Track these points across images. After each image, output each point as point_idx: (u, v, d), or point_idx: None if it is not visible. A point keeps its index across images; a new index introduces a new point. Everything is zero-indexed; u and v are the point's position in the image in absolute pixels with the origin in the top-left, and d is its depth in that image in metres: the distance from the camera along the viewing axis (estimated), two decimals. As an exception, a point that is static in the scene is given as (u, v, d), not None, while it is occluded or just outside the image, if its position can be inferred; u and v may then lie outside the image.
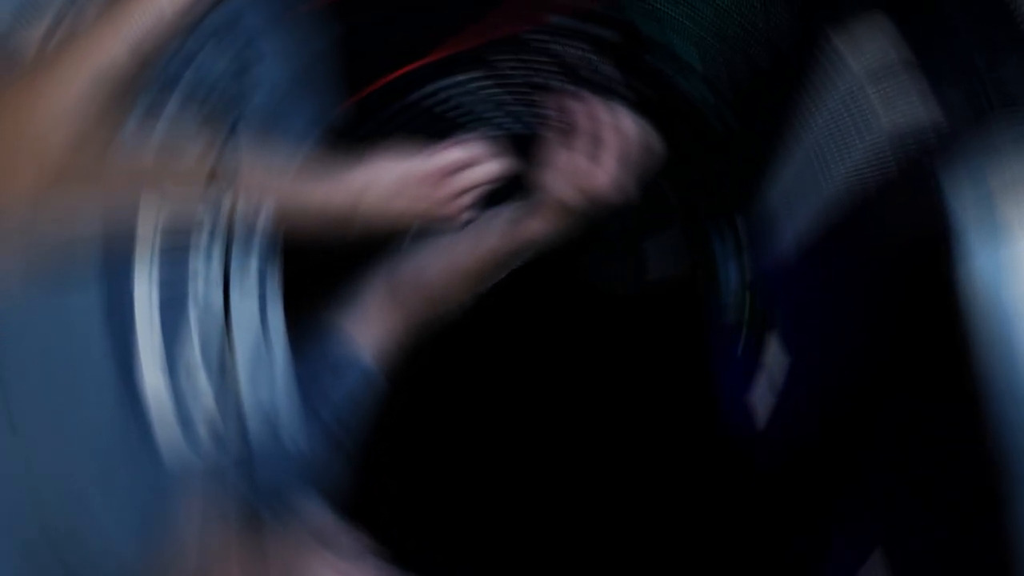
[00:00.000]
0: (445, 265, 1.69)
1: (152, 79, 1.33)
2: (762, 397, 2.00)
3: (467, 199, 1.54)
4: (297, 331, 1.56)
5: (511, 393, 2.16)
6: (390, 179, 1.50)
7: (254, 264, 1.48)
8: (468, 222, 1.59)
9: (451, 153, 1.52)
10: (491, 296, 1.75)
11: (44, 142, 1.27)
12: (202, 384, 1.36)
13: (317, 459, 1.56)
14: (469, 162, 1.53)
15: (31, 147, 1.27)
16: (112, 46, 1.27)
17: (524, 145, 1.65)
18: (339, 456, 1.60)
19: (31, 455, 1.29)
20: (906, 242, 1.80)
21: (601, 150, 1.62)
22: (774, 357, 1.99)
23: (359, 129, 1.73)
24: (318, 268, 1.56)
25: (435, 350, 1.76)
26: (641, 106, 1.71)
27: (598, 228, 1.75)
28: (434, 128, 1.74)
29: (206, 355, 1.37)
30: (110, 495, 1.30)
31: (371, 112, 1.79)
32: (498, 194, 1.59)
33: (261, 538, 1.31)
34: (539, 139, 1.65)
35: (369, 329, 1.68)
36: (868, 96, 1.78)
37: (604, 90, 1.73)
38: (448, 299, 1.71)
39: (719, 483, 2.09)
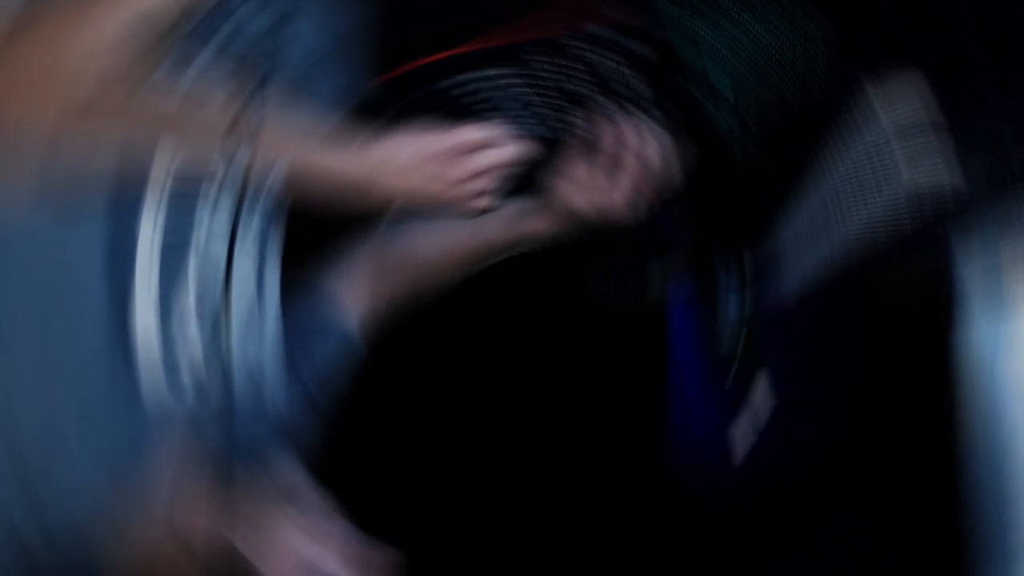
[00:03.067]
0: (438, 245, 1.70)
1: (190, 27, 1.33)
2: (743, 434, 2.00)
3: (480, 183, 1.55)
4: (289, 289, 1.57)
5: (486, 381, 2.17)
6: (406, 155, 1.51)
7: (257, 223, 1.49)
8: (479, 212, 1.60)
9: (467, 132, 1.53)
10: (491, 285, 1.76)
11: (76, 75, 1.27)
12: (193, 333, 1.37)
13: (294, 419, 1.56)
14: (485, 143, 1.54)
15: (63, 78, 1.27)
16: None
17: (543, 148, 1.66)
18: (315, 418, 1.60)
19: (12, 378, 1.29)
20: (909, 303, 1.80)
21: (620, 171, 1.65)
22: (761, 396, 1.99)
23: (386, 107, 1.73)
24: (315, 229, 1.56)
25: (423, 331, 1.77)
26: (666, 127, 1.72)
27: (606, 241, 1.76)
28: (459, 117, 1.74)
29: (200, 305, 1.37)
30: (87, 431, 1.30)
31: (400, 92, 1.79)
32: (508, 190, 1.60)
33: (231, 491, 1.31)
34: (559, 145, 1.66)
35: (355, 295, 1.69)
36: (893, 151, 1.78)
37: (633, 105, 1.73)
38: (434, 278, 1.72)
39: (682, 510, 2.09)
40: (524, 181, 1.63)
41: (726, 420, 2.00)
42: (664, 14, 1.84)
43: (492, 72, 1.80)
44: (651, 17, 1.83)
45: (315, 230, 1.56)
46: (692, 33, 1.85)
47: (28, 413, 1.29)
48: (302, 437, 1.56)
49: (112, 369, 1.31)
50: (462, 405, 2.17)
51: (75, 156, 1.29)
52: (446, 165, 1.52)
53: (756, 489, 2.00)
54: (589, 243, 1.90)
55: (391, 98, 1.76)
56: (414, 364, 2.09)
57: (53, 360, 1.30)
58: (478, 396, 2.18)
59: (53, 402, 1.30)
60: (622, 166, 1.65)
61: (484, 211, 1.59)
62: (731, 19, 1.84)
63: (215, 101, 1.36)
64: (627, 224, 1.67)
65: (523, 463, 2.18)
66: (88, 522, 1.29)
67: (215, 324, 1.36)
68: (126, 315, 1.32)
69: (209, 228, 1.39)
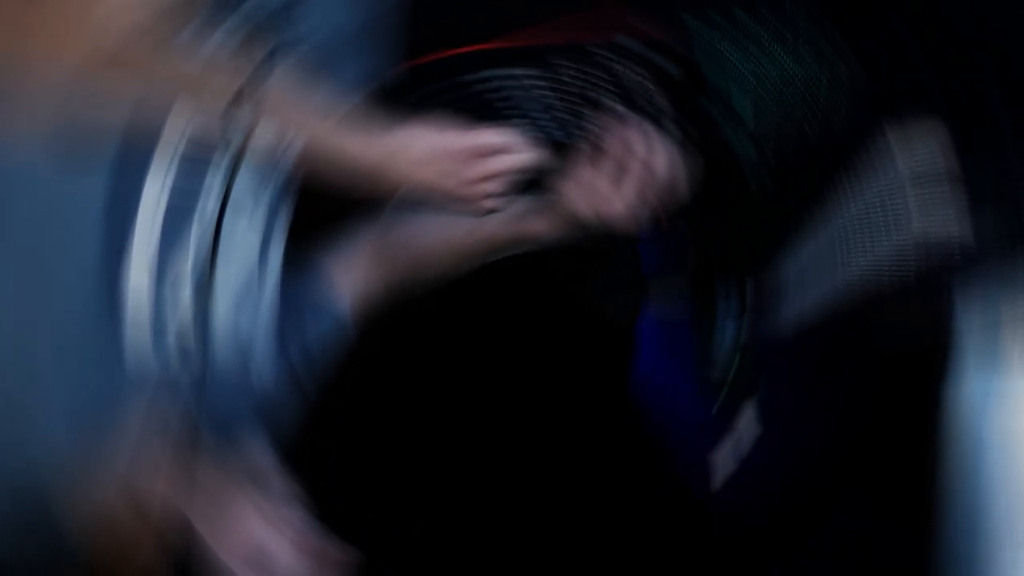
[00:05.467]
0: (440, 236, 1.70)
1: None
2: (725, 460, 2.00)
3: (491, 186, 1.54)
4: (288, 265, 1.56)
5: (472, 383, 2.16)
6: (423, 147, 1.50)
7: (267, 198, 1.49)
8: (487, 212, 1.59)
9: (486, 135, 1.53)
10: (489, 285, 1.75)
11: (102, 25, 1.28)
12: (185, 298, 1.36)
13: (276, 398, 1.56)
14: (502, 148, 1.54)
15: (88, 27, 1.28)
16: None
17: (557, 151, 1.66)
18: (297, 398, 1.60)
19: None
20: (904, 349, 1.80)
21: (625, 178, 1.64)
22: (747, 425, 1.99)
23: (407, 94, 1.73)
24: (320, 207, 1.56)
25: (413, 323, 1.76)
26: (683, 146, 1.71)
27: (610, 252, 1.75)
28: (479, 113, 1.74)
29: (196, 271, 1.37)
30: (62, 379, 1.30)
31: (423, 81, 1.79)
32: (518, 189, 1.60)
33: (195, 463, 1.31)
34: (572, 148, 1.66)
35: (350, 277, 1.69)
36: (906, 197, 1.78)
37: (652, 121, 1.73)
38: (431, 269, 1.72)
39: (678, 511, 2.09)
40: (530, 181, 1.63)
41: (710, 443, 2.00)
42: (695, 34, 1.84)
43: (517, 71, 1.80)
44: (681, 35, 1.83)
45: (321, 208, 1.56)
46: (720, 56, 1.84)
47: (4, 350, 1.28)
48: (281, 418, 1.55)
49: (97, 322, 1.31)
50: (446, 406, 2.16)
51: (89, 106, 1.29)
52: (461, 164, 1.52)
53: (734, 510, 2.00)
54: (594, 252, 1.90)
55: (414, 85, 1.76)
56: (402, 356, 2.08)
57: (38, 304, 1.29)
58: (463, 398, 2.17)
59: (32, 345, 1.29)
60: (627, 173, 1.65)
61: (490, 211, 1.58)
62: (761, 47, 1.83)
63: (235, 69, 1.36)
64: (628, 233, 1.66)
65: (501, 470, 2.16)
66: (49, 470, 1.29)
67: (208, 290, 1.36)
68: (119, 272, 1.32)
69: (217, 196, 1.39)
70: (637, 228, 1.67)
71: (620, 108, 1.73)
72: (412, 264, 1.71)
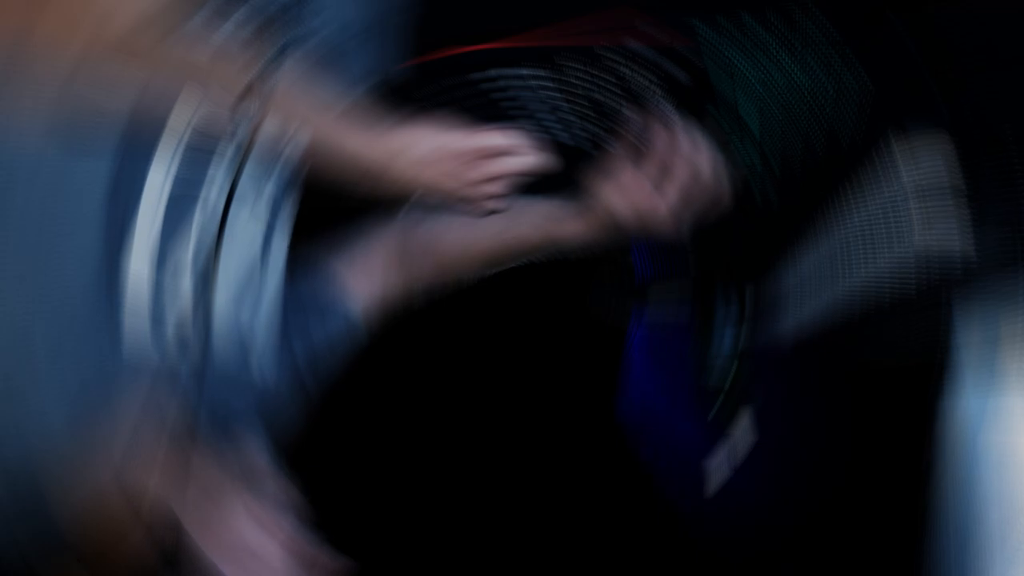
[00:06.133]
0: (465, 238, 1.67)
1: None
2: (718, 467, 2.00)
3: (495, 187, 1.54)
4: (297, 263, 1.56)
5: (477, 394, 2.16)
6: (427, 147, 1.50)
7: (271, 190, 1.48)
8: (489, 212, 1.59)
9: (491, 137, 1.52)
10: (486, 293, 1.74)
11: (111, 12, 1.28)
12: (185, 287, 1.36)
13: (278, 396, 1.55)
14: (507, 150, 1.53)
15: (98, 11, 1.27)
16: None
17: (565, 154, 1.65)
18: (299, 398, 1.59)
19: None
20: (901, 362, 1.80)
21: (669, 179, 1.60)
22: (742, 433, 1.99)
23: (414, 92, 1.73)
24: (331, 208, 1.56)
25: (421, 330, 1.75)
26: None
27: (607, 258, 1.75)
28: (485, 112, 1.74)
29: (197, 261, 1.36)
30: (58, 362, 1.29)
31: (430, 79, 1.79)
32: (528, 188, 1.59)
33: (190, 458, 1.30)
34: (606, 149, 1.63)
35: (366, 280, 1.67)
36: (909, 210, 1.78)
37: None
38: (456, 272, 1.69)
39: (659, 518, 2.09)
40: (561, 181, 1.60)
41: (704, 449, 2.00)
42: (704, 41, 1.84)
43: (525, 72, 1.80)
44: (691, 42, 1.83)
45: (331, 209, 1.56)
46: (729, 64, 1.84)
47: (3, 332, 1.28)
48: (281, 418, 1.54)
49: (96, 307, 1.31)
50: (443, 410, 2.15)
51: (95, 90, 1.29)
52: (465, 165, 1.51)
53: (722, 519, 2.00)
54: (597, 258, 1.90)
55: (421, 83, 1.76)
56: (405, 359, 2.06)
57: (37, 284, 1.29)
58: (459, 402, 2.16)
59: (31, 327, 1.28)
60: (671, 174, 1.61)
61: (491, 212, 1.57)
62: (769, 56, 1.83)
63: (244, 60, 1.36)
64: (669, 236, 1.62)
65: (494, 476, 2.15)
66: (42, 452, 1.28)
67: (208, 281, 1.36)
68: (119, 257, 1.32)
69: (221, 186, 1.39)
70: (678, 231, 1.62)
71: (666, 109, 1.69)
72: (436, 266, 1.69)
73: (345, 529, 1.34)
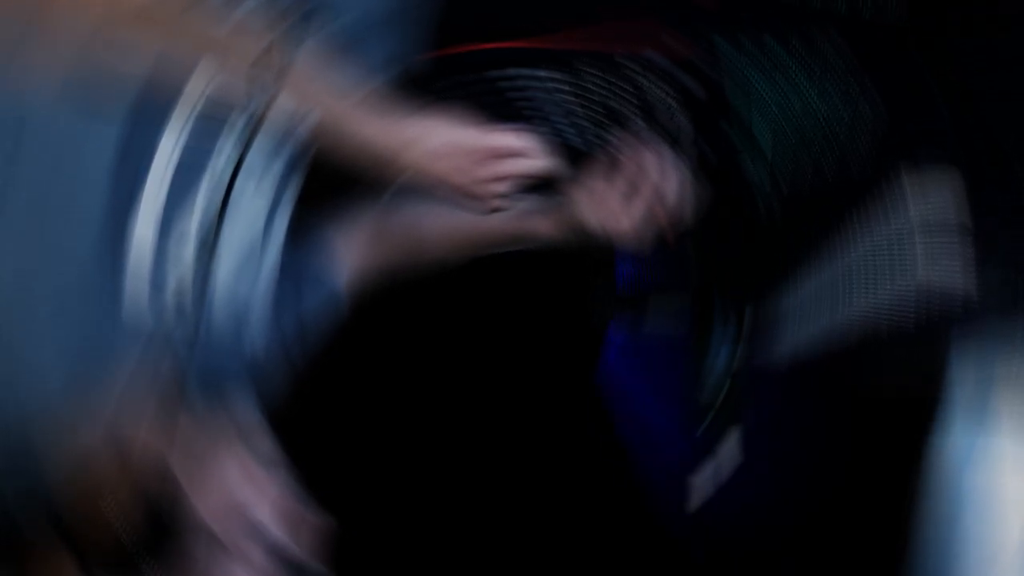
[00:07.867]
0: (443, 223, 1.70)
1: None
2: (703, 484, 2.00)
3: (502, 187, 1.55)
4: (293, 233, 1.56)
5: (460, 368, 2.17)
6: (440, 140, 1.50)
7: (278, 167, 1.49)
8: (494, 211, 1.60)
9: (506, 137, 1.53)
10: (488, 285, 1.75)
11: None
12: (188, 256, 1.36)
13: (267, 362, 1.56)
14: (519, 152, 1.54)
15: None
16: None
17: (572, 157, 1.66)
18: (285, 365, 1.60)
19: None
20: (894, 396, 1.80)
21: (635, 198, 1.66)
22: (729, 452, 1.99)
23: (431, 83, 1.73)
24: (331, 181, 1.56)
25: (409, 308, 1.76)
26: (698, 167, 1.72)
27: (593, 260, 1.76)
28: (499, 110, 1.74)
29: (201, 230, 1.37)
30: (58, 320, 1.30)
31: (448, 72, 1.79)
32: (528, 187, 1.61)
33: (183, 417, 1.30)
34: (587, 156, 1.67)
35: (350, 253, 1.69)
36: (914, 244, 1.78)
37: (671, 138, 1.73)
38: (430, 255, 1.72)
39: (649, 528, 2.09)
40: (542, 181, 1.63)
41: (690, 465, 2.00)
42: (723, 57, 1.84)
43: (542, 73, 1.80)
44: (710, 57, 1.83)
45: (331, 181, 1.56)
46: (746, 82, 1.85)
47: (4, 288, 1.28)
48: (270, 382, 1.55)
49: (98, 269, 1.31)
50: (432, 387, 2.16)
51: (111, 57, 1.29)
52: (476, 162, 1.52)
53: (706, 534, 2.00)
54: (597, 262, 1.91)
55: (438, 76, 1.76)
56: (387, 335, 2.08)
57: (40, 243, 1.29)
58: (450, 381, 2.17)
59: (31, 283, 1.29)
60: (638, 193, 1.67)
61: (496, 210, 1.59)
62: (788, 77, 1.84)
63: (262, 36, 1.36)
64: (630, 250, 1.68)
65: (485, 454, 2.17)
66: (37, 408, 1.29)
67: (210, 251, 1.36)
68: (124, 222, 1.32)
69: (229, 158, 1.39)
70: (639, 247, 1.69)
71: (641, 126, 1.74)
72: (411, 247, 1.72)
73: (329, 489, 1.35)
